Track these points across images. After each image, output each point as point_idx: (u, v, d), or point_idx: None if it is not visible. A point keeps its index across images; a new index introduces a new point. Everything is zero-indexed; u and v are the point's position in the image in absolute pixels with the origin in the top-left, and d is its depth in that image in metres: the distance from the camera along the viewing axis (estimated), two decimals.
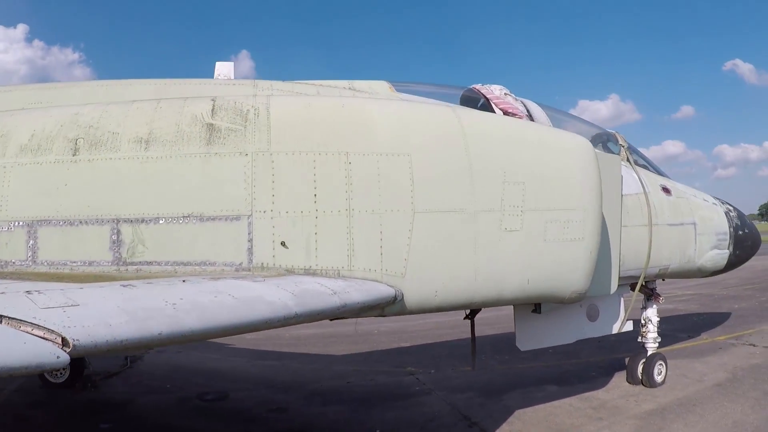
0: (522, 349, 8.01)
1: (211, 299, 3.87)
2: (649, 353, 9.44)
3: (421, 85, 8.12)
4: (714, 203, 9.65)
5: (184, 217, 5.16)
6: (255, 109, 5.66)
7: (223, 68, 7.46)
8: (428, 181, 5.64)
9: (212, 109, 5.62)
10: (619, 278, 7.94)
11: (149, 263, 5.09)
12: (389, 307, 5.48)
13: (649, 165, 9.32)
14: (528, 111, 7.84)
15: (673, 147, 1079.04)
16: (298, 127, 5.64)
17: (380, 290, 5.28)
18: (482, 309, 7.42)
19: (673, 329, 13.91)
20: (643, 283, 9.19)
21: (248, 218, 5.21)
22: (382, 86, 7.28)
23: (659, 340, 9.53)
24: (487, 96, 7.63)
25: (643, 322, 9.56)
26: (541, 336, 7.95)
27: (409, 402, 9.17)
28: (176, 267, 5.09)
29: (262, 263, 5.19)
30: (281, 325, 4.19)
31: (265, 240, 5.21)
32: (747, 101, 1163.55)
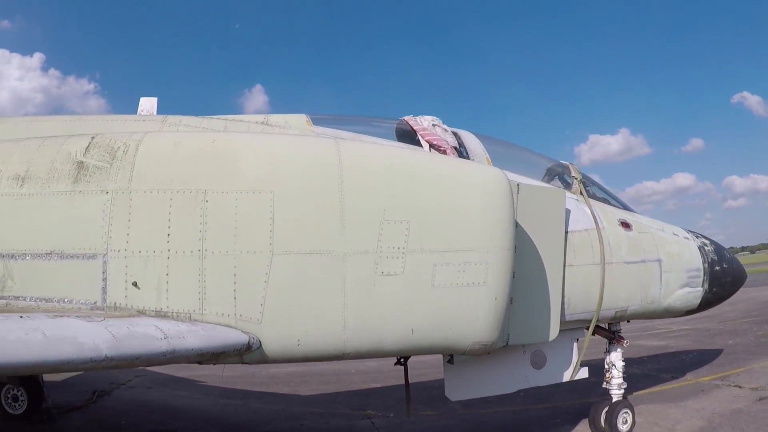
0: (451, 399, 7.07)
1: (20, 336, 3.67)
2: (614, 400, 8.29)
3: (344, 117, 7.63)
4: (686, 237, 8.58)
5: (47, 254, 4.98)
6: (125, 147, 5.35)
7: (147, 104, 7.10)
8: (291, 220, 5.13)
9: (87, 147, 5.38)
10: (566, 322, 7.09)
11: (17, 298, 4.96)
12: (247, 354, 5.05)
13: (609, 198, 8.37)
14: (461, 142, 7.15)
15: (683, 179, 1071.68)
16: (161, 164, 5.28)
17: (228, 337, 4.85)
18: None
19: (658, 369, 12.79)
20: (604, 326, 8.28)
21: (103, 257, 4.96)
22: (299, 120, 6.77)
23: (625, 386, 8.42)
24: (415, 128, 6.97)
25: (606, 367, 8.47)
26: (475, 384, 7.01)
27: None
28: (39, 303, 4.93)
29: (115, 303, 4.92)
30: (90, 367, 3.98)
31: (119, 280, 4.93)
32: (756, 132, 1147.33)
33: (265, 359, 5.19)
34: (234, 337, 4.86)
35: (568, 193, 7.57)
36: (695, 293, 8.37)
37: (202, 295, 4.92)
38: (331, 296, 5.10)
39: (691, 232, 8.85)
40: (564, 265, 6.88)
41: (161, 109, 7.02)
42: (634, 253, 7.69)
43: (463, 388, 6.98)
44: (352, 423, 9.88)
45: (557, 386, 8.14)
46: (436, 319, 5.42)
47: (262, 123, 6.59)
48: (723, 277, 8.70)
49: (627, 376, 12.00)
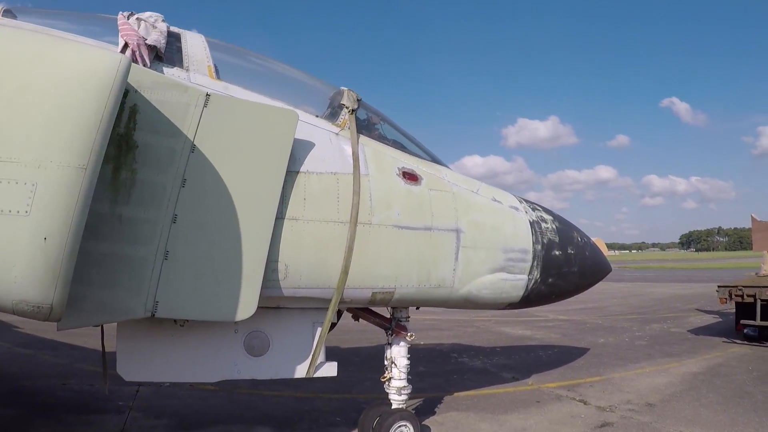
0: (125, 378, 4.36)
1: None
2: (393, 407, 5.38)
3: (58, 12, 4.83)
4: (513, 207, 5.63)
5: None
6: None
7: None
8: None
9: None
10: (288, 298, 4.46)
11: None
12: None
13: (409, 144, 5.40)
14: (178, 45, 4.48)
15: (605, 172, 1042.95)
16: None
17: None
18: None
19: (504, 365, 9.64)
20: (386, 312, 5.48)
21: None
22: None
23: (408, 390, 5.53)
24: (118, 23, 4.29)
25: (386, 364, 5.45)
26: (156, 364, 4.42)
27: (84, 418, 6.12)
28: None
29: None
30: None
31: None
32: (679, 137, 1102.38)
33: None
34: None
35: (322, 124, 4.76)
36: (516, 282, 5.44)
37: None
38: None
39: (527, 202, 5.92)
40: (282, 217, 4.15)
41: None
42: (413, 216, 4.78)
43: (138, 367, 4.40)
44: (120, 387, 6.94)
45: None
46: None
47: None
48: (566, 266, 5.77)
49: (467, 369, 9.27)
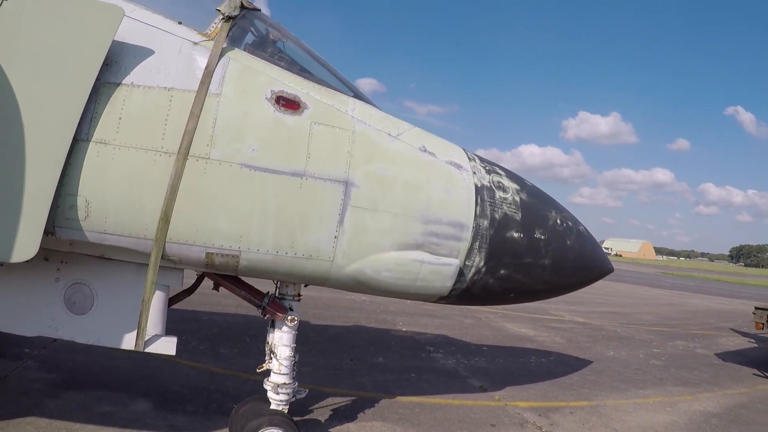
0: None
1: None
2: (271, 407, 4.26)
3: None
4: (451, 162, 4.14)
5: None
6: None
7: None
8: None
9: None
10: (93, 245, 3.51)
11: None
12: None
13: (320, 70, 4.15)
14: None
15: (662, 175, 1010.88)
16: None
17: None
18: None
19: (478, 370, 8.08)
20: (282, 288, 4.37)
21: None
22: None
23: (289, 389, 4.30)
24: None
25: (267, 351, 4.32)
26: None
27: None
28: None
29: None
30: None
31: None
32: (741, 148, 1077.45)
33: None
34: None
35: (179, 31, 3.66)
36: (440, 267, 3.99)
37: None
38: None
39: (484, 161, 4.44)
40: (87, 139, 3.27)
41: None
42: (277, 154, 3.55)
43: None
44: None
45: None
46: None
47: None
48: (529, 255, 4.27)
49: (434, 368, 7.84)
